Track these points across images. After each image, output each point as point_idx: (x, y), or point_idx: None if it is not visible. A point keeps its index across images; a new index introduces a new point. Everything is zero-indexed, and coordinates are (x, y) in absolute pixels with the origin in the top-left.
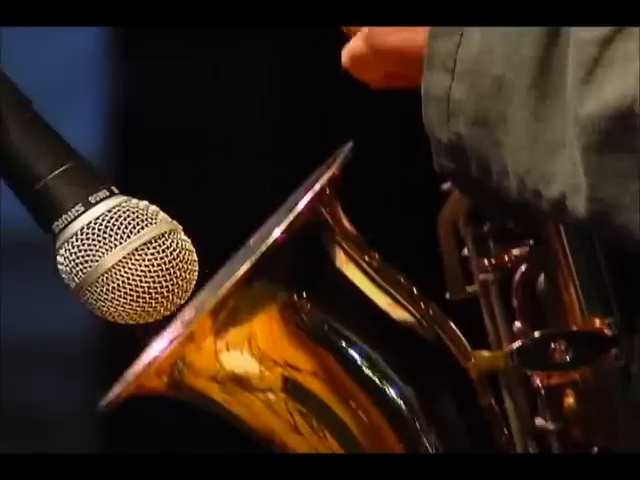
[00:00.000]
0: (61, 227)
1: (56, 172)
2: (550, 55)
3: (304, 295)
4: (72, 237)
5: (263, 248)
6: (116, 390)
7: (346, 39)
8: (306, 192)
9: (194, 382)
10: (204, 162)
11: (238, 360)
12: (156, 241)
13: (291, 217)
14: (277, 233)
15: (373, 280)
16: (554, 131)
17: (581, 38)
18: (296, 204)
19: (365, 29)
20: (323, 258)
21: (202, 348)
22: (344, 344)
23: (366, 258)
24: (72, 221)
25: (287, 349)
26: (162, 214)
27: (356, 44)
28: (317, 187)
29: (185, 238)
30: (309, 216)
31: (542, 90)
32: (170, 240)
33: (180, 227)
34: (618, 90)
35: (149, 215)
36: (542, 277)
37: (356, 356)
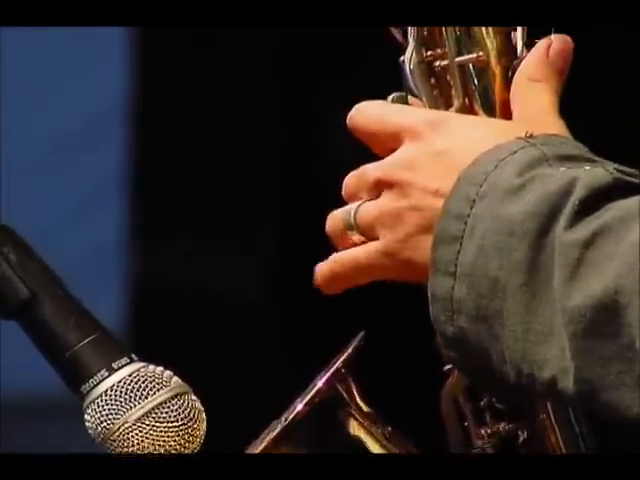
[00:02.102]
0: (88, 390)
1: (84, 342)
2: (538, 257)
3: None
4: (97, 398)
5: (287, 419)
6: None
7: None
8: (325, 372)
9: None
10: (213, 332)
11: None
12: (170, 402)
13: (312, 392)
14: (300, 406)
15: (383, 446)
16: (544, 322)
17: (565, 241)
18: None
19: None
20: (339, 428)
21: None
22: None
23: (377, 428)
24: (97, 384)
25: None
26: (175, 378)
27: (368, 254)
28: (334, 368)
29: (195, 398)
30: (327, 392)
31: (532, 287)
32: (182, 401)
33: (191, 389)
34: (601, 284)
35: (164, 379)
36: (532, 444)
37: None
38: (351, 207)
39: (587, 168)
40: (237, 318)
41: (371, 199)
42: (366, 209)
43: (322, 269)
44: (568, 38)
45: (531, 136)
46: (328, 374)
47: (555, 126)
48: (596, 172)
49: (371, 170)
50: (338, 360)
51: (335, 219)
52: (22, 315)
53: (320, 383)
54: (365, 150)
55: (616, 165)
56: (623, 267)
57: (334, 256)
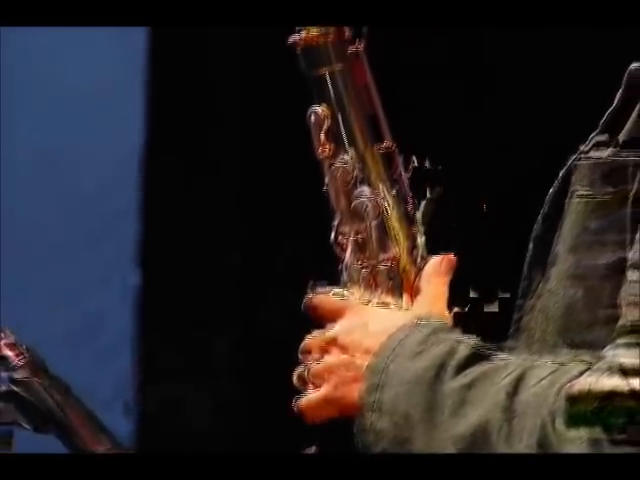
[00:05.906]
0: None
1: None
2: (433, 398)
3: None
4: None
5: None
6: None
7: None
8: None
9: None
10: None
11: None
12: None
13: None
14: None
15: None
16: (439, 444)
17: (451, 386)
18: None
19: (323, 393)
20: None
21: None
22: None
23: None
24: None
25: None
26: None
27: (318, 400)
28: None
29: None
30: None
31: (430, 420)
32: None
33: None
34: (477, 417)
35: None
36: None
37: None
38: (305, 366)
39: (459, 339)
40: (200, 442)
41: (319, 357)
42: (314, 367)
43: (300, 405)
44: (454, 256)
45: (424, 319)
46: None
47: (444, 310)
48: (466, 342)
49: (322, 335)
50: None
51: (297, 375)
52: (56, 430)
53: None
54: None
55: (477, 342)
56: (491, 405)
57: (302, 398)
